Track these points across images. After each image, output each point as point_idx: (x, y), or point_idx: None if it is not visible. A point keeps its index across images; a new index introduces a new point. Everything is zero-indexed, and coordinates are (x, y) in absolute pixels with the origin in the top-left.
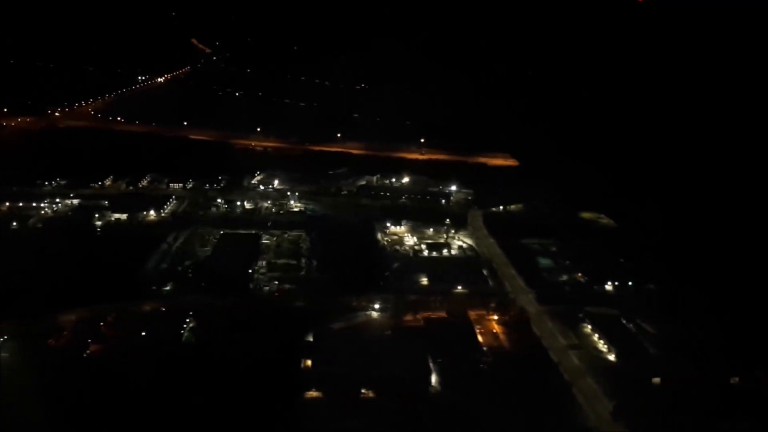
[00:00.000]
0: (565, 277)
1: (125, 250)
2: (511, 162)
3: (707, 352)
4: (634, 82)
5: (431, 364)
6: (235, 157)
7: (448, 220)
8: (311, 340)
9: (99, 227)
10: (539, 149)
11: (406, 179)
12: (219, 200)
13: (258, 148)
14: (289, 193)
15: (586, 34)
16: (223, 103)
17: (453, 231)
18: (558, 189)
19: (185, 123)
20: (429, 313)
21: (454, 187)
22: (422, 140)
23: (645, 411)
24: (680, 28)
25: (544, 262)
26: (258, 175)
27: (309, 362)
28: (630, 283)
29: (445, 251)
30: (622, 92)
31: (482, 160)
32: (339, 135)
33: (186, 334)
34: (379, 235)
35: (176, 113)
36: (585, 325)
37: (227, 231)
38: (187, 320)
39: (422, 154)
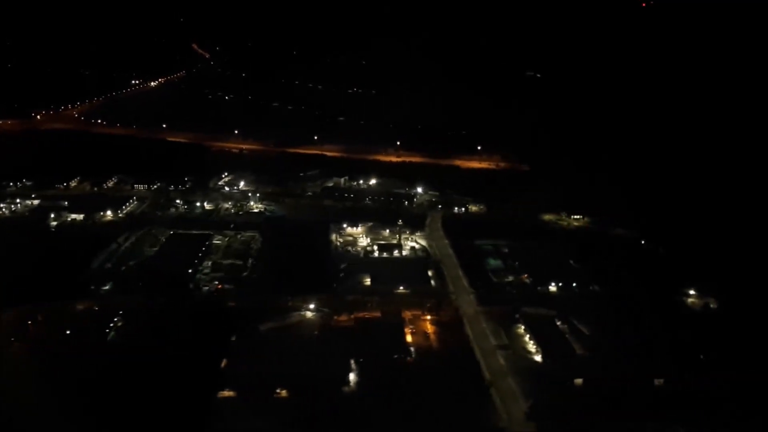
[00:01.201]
0: (510, 278)
1: (74, 249)
2: (485, 164)
3: (636, 354)
4: (634, 84)
5: (352, 364)
6: (210, 159)
7: (400, 221)
8: (234, 339)
9: (53, 227)
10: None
11: (373, 181)
12: (178, 201)
13: (234, 150)
14: (250, 194)
15: (588, 37)
16: (212, 107)
17: (407, 232)
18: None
19: (164, 126)
20: (363, 314)
21: (419, 189)
22: (398, 143)
23: (561, 412)
24: (683, 30)
25: (494, 263)
26: (225, 176)
27: (226, 362)
28: (574, 285)
29: (396, 252)
30: (621, 94)
31: (456, 162)
32: (315, 138)
33: (112, 333)
34: (333, 236)
35: (163, 116)
36: (518, 325)
37: (177, 231)
38: (116, 320)
39: (398, 156)
